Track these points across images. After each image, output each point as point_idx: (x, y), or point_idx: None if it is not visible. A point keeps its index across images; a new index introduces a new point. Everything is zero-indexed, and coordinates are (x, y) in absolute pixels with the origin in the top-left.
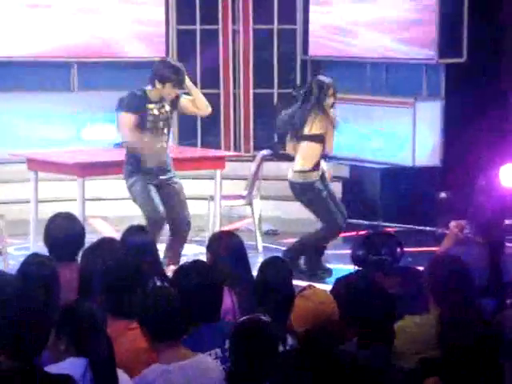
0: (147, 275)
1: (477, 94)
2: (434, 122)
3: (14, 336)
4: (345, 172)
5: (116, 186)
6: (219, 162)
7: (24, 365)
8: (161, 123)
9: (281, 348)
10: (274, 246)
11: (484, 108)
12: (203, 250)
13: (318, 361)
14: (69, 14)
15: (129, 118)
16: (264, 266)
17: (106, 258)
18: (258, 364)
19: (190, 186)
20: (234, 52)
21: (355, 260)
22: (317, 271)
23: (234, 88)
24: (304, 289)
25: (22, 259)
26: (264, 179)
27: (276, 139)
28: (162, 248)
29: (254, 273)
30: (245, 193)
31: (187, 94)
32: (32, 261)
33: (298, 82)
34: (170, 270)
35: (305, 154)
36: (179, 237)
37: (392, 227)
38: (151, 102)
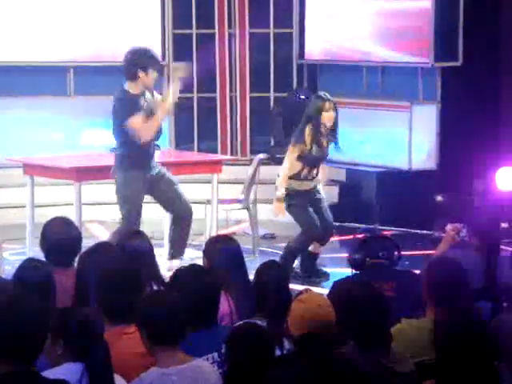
0: (144, 279)
1: (472, 98)
2: (430, 125)
3: (11, 341)
4: (341, 176)
5: (113, 190)
6: (216, 166)
7: (20, 370)
8: (150, 111)
9: (278, 352)
10: (271, 250)
11: (480, 111)
12: (200, 254)
13: (314, 364)
14: (65, 19)
15: (137, 118)
16: (261, 270)
17: (102, 263)
18: (254, 368)
19: (187, 190)
20: (231, 56)
21: (352, 263)
22: (312, 275)
23: (231, 92)
24: (301, 292)
25: (18, 264)
26: (261, 183)
27: (272, 143)
28: (158, 253)
29: (251, 277)
30: (242, 197)
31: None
32: (28, 266)
33: (295, 85)
34: (174, 266)
35: (286, 164)
36: (183, 225)
37: (388, 230)
38: (136, 97)
